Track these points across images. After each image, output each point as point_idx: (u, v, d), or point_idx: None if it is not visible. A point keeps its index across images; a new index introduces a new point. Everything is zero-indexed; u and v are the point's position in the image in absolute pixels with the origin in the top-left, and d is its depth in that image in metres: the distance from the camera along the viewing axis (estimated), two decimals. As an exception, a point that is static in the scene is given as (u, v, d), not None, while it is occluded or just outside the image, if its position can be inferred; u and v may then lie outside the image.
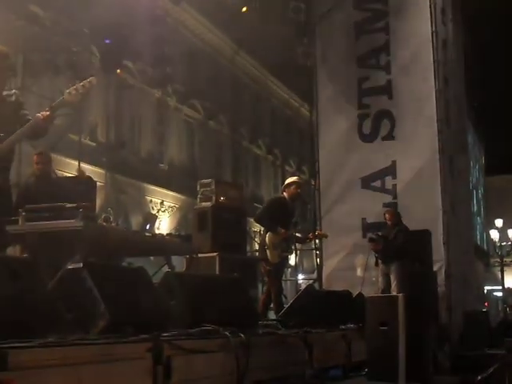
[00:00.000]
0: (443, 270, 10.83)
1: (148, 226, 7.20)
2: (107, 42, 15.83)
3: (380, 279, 10.61)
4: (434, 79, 11.52)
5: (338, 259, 11.89)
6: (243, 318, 4.83)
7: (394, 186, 11.70)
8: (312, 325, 5.60)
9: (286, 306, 7.39)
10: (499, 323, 13.81)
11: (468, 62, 15.86)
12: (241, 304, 5.08)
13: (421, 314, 5.66)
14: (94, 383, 3.08)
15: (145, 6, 15.25)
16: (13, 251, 6.37)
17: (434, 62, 11.57)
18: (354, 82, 12.28)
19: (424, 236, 10.31)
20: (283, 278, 10.34)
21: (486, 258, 43.02)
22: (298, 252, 17.21)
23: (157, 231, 14.37)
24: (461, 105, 13.89)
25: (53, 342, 3.04)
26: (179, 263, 8.36)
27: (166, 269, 6.85)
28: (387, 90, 12.01)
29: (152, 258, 9.32)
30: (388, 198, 11.55)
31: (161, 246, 7.41)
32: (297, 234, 9.62)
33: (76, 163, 15.47)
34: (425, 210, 11.05)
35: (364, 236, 11.44)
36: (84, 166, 16.21)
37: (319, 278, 12.27)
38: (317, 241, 11.25)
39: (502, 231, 39.97)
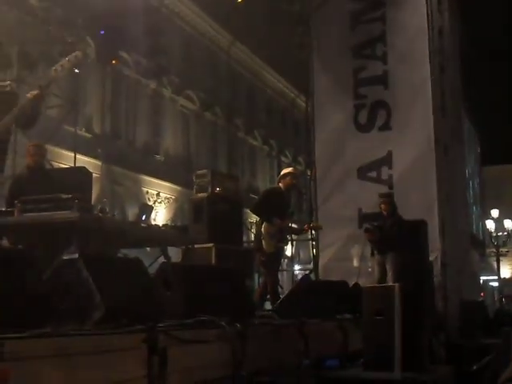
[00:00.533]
0: (439, 260, 10.84)
1: (144, 217, 7.18)
2: (102, 33, 15.80)
3: (376, 269, 10.60)
4: (430, 68, 11.51)
5: (334, 250, 11.90)
6: (239, 309, 4.83)
7: (390, 176, 11.69)
8: (308, 315, 5.61)
9: (283, 297, 7.41)
10: (496, 312, 13.84)
11: (464, 51, 15.83)
12: (237, 294, 5.08)
13: (417, 303, 5.66)
14: (89, 374, 3.07)
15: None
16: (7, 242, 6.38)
17: (429, 50, 11.55)
18: (350, 72, 12.25)
19: (420, 226, 10.29)
20: (279, 268, 10.33)
21: (482, 248, 43.15)
22: (295, 243, 17.28)
23: (153, 222, 14.42)
24: (457, 94, 13.87)
25: (48, 333, 3.03)
26: (175, 254, 8.35)
27: (161, 260, 6.83)
28: (383, 80, 11.99)
29: (148, 248, 9.32)
30: (384, 189, 11.52)
31: (157, 237, 7.39)
32: (292, 225, 9.62)
33: (72, 154, 15.45)
34: (421, 200, 11.05)
35: (360, 226, 11.43)
36: (80, 157, 16.20)
37: (315, 269, 12.28)
38: (313, 232, 11.26)
39: (498, 221, 40.03)
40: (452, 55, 13.33)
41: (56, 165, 14.22)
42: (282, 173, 9.60)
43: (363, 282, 8.83)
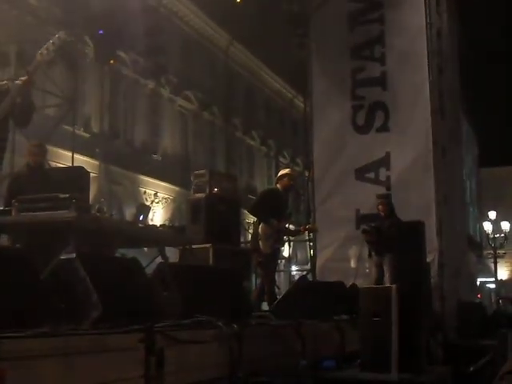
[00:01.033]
0: (436, 261, 10.85)
1: (141, 217, 7.16)
2: (101, 32, 15.79)
3: (373, 270, 10.60)
4: (428, 70, 11.52)
5: (331, 250, 11.91)
6: (236, 309, 4.83)
7: (388, 177, 11.70)
8: (305, 316, 5.61)
9: (280, 297, 7.40)
10: (493, 313, 13.86)
11: (462, 53, 15.84)
12: (234, 295, 5.08)
13: (414, 304, 5.66)
14: (86, 374, 3.08)
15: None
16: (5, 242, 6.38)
17: (428, 52, 11.56)
18: (348, 73, 12.25)
19: (417, 227, 10.28)
20: (276, 269, 10.33)
21: (479, 250, 43.12)
22: (292, 243, 17.26)
23: (150, 222, 14.40)
24: (455, 96, 13.88)
25: (45, 333, 3.04)
26: (173, 254, 8.34)
27: (159, 260, 6.83)
28: (381, 81, 11.99)
29: (145, 249, 9.30)
30: (382, 190, 11.53)
31: (154, 237, 7.38)
32: (289, 226, 9.62)
33: (69, 154, 15.43)
34: (418, 201, 11.06)
35: (358, 227, 11.42)
36: (77, 156, 16.18)
37: (313, 270, 12.29)
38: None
39: (496, 223, 40.01)
40: (450, 57, 13.34)
41: (54, 164, 14.19)
42: (279, 174, 9.59)
43: (360, 283, 8.82)
